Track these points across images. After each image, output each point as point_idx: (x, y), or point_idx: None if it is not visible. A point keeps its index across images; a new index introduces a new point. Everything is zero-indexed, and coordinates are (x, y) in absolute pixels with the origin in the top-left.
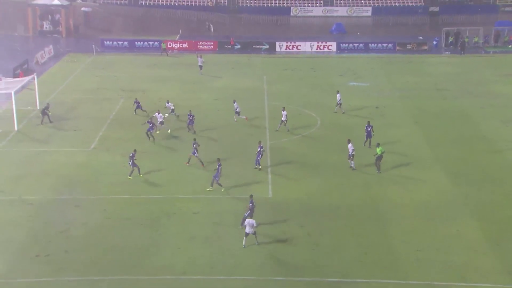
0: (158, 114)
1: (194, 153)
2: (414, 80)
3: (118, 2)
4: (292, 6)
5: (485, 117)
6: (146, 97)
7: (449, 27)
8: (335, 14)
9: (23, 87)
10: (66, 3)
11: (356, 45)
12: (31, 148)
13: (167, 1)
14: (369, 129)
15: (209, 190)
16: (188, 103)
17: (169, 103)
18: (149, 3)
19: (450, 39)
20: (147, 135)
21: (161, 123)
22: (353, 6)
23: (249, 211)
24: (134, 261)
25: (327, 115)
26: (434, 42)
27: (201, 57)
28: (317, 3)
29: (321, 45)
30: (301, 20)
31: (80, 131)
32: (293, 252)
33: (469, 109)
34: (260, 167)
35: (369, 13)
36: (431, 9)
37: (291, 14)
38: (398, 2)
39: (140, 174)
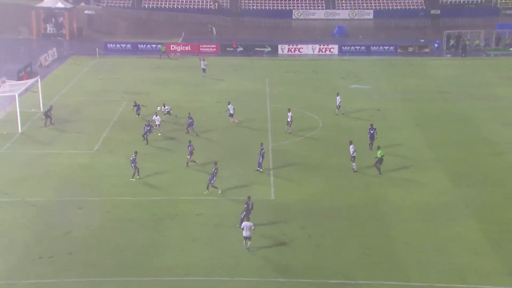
0: (156, 116)
1: (189, 154)
2: (415, 82)
3: (121, 5)
4: (294, 9)
5: (486, 119)
6: (149, 100)
7: (451, 30)
8: (337, 17)
9: (26, 89)
10: (69, 6)
11: (358, 47)
12: (34, 150)
13: (170, 4)
14: (372, 131)
15: (205, 194)
16: (191, 105)
17: (166, 107)
18: (152, 6)
19: (452, 42)
20: (144, 137)
21: (158, 125)
22: (355, 9)
23: (244, 212)
24: (137, 262)
25: (328, 117)
26: (436, 45)
27: (204, 60)
28: (319, 6)
29: (323, 48)
30: (303, 23)
31: (83, 133)
32: (294, 253)
33: (470, 112)
34: (261, 169)
35: (371, 16)
36: (432, 12)
37: (293, 17)
38: (400, 5)
39: (139, 176)
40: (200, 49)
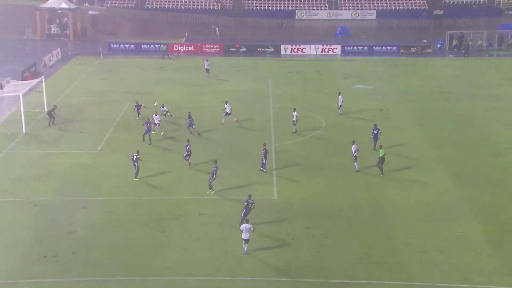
0: (156, 116)
1: (189, 154)
2: (418, 83)
3: (125, 5)
4: (297, 9)
5: (488, 119)
6: (152, 100)
7: (453, 30)
8: (339, 17)
9: (31, 89)
10: (73, 6)
11: (360, 48)
12: (38, 150)
13: (173, 5)
14: (375, 132)
15: (208, 193)
16: (194, 105)
17: (164, 107)
18: (155, 7)
19: (454, 42)
20: (143, 138)
21: (158, 125)
22: (358, 9)
23: (244, 210)
24: (140, 262)
25: (331, 117)
26: (438, 45)
27: (207, 61)
28: (322, 7)
29: (325, 48)
30: (306, 23)
31: (87, 133)
32: (297, 253)
33: (473, 112)
34: (264, 169)
35: (374, 17)
36: (435, 12)
37: (296, 17)
38: (402, 6)
39: (135, 178)
40: (203, 49)
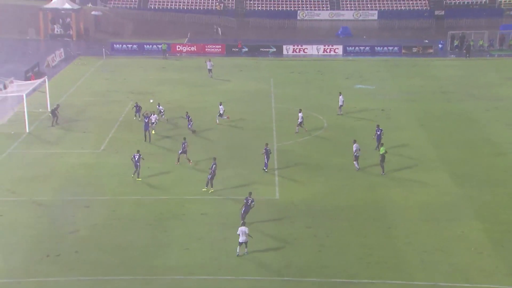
0: (154, 115)
1: (184, 151)
2: (419, 83)
3: (128, 6)
4: (299, 10)
5: (489, 120)
6: (155, 100)
7: (455, 31)
8: (341, 17)
9: (34, 89)
10: (76, 7)
11: (362, 48)
12: (41, 149)
13: (176, 5)
14: (378, 132)
15: (211, 192)
16: (196, 105)
17: (160, 107)
18: (158, 7)
19: (456, 43)
20: (145, 137)
21: (155, 124)
22: (360, 10)
23: (244, 208)
24: (142, 261)
25: (333, 117)
26: (440, 46)
27: (210, 61)
28: (323, 7)
29: (327, 48)
30: (307, 23)
31: (90, 133)
32: (299, 252)
33: (474, 112)
34: (266, 169)
35: (375, 17)
36: (436, 12)
37: (298, 17)
38: (404, 6)
39: (133, 175)
40: (206, 49)
